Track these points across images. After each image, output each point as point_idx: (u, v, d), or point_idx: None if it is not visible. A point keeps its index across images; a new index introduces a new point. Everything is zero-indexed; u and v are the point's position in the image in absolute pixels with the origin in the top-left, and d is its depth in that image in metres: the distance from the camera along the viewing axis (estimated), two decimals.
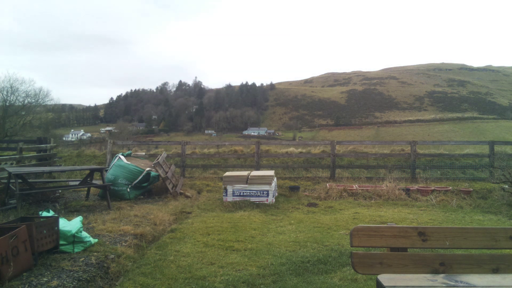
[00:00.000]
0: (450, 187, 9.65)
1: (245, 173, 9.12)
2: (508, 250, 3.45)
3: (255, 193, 8.45)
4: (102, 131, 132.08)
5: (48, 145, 11.17)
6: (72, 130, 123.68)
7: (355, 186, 9.88)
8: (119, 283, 4.09)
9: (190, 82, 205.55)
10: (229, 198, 8.49)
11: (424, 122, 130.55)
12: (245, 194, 8.48)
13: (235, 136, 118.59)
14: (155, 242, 5.63)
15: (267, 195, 8.41)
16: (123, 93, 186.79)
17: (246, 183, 8.51)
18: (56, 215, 4.69)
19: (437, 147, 16.15)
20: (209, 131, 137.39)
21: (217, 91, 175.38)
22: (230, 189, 8.53)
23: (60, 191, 8.68)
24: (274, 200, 8.66)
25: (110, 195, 7.84)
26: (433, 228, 2.59)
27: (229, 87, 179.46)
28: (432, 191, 9.45)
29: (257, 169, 11.91)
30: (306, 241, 5.55)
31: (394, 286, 2.13)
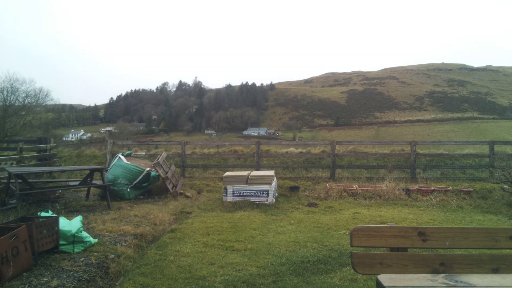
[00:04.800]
0: (450, 187, 9.65)
1: (245, 173, 9.12)
2: (508, 250, 3.45)
3: (255, 193, 8.45)
4: (102, 131, 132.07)
5: (48, 145, 11.17)
6: (72, 130, 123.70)
7: (355, 186, 9.88)
8: (119, 283, 4.09)
9: (190, 82, 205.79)
10: (229, 198, 8.49)
11: (424, 122, 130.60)
12: (245, 194, 8.48)
13: (235, 136, 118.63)
14: (155, 242, 5.63)
15: (267, 195, 8.41)
16: (123, 93, 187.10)
17: (246, 183, 8.51)
18: (56, 215, 4.69)
19: (437, 147, 16.15)
20: (209, 131, 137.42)
21: (217, 91, 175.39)
22: (230, 189, 8.53)
23: (60, 191, 8.68)
24: (274, 200, 8.66)
25: (110, 195, 7.84)
26: (433, 228, 2.59)
27: (229, 87, 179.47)
28: (432, 191, 9.44)
29: (257, 169, 11.91)
30: (306, 241, 5.55)
31: (394, 286, 2.13)
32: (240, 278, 4.09)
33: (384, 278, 2.24)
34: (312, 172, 13.00)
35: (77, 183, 8.40)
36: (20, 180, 7.16)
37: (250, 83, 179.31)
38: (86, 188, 8.55)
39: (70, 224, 4.71)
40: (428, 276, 2.33)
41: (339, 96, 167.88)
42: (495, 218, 7.43)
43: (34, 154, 10.88)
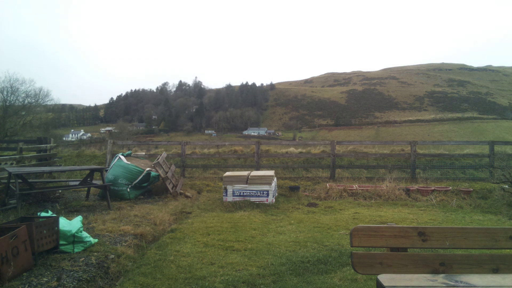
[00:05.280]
0: (450, 187, 9.65)
1: (245, 173, 9.12)
2: (508, 250, 3.45)
3: (255, 193, 8.45)
4: (102, 131, 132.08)
5: (48, 145, 11.17)
6: (72, 130, 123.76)
7: (355, 186, 9.88)
8: (119, 283, 4.09)
9: (190, 82, 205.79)
10: (229, 198, 8.49)
11: (424, 122, 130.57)
12: (245, 194, 8.48)
13: (235, 136, 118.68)
14: (155, 242, 5.63)
15: (267, 195, 8.40)
16: (123, 93, 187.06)
17: (246, 183, 8.51)
18: (56, 215, 4.69)
19: (437, 147, 16.15)
20: (209, 131, 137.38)
21: (217, 91, 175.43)
22: (230, 189, 8.53)
23: (60, 191, 8.68)
24: (274, 200, 8.66)
25: (110, 195, 7.84)
26: (433, 228, 2.59)
27: (229, 87, 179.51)
28: (432, 191, 9.45)
29: (257, 169, 11.91)
30: (306, 241, 5.55)
31: (394, 286, 2.13)
32: (240, 278, 4.09)
33: (384, 278, 2.24)
34: (312, 172, 13.00)
35: (77, 183, 8.40)
36: (20, 180, 7.15)
37: (250, 83, 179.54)
38: (86, 188, 8.55)
39: (70, 224, 4.71)
40: (428, 276, 2.33)
41: (339, 96, 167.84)
42: (495, 218, 7.43)
43: (34, 154, 10.88)
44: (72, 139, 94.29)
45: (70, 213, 6.80)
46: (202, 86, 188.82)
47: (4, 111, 30.24)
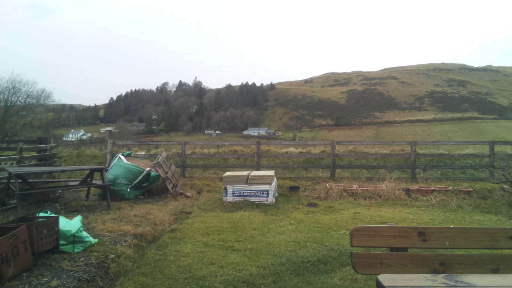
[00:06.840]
0: (450, 187, 9.65)
1: (245, 173, 9.12)
2: (508, 250, 3.45)
3: (255, 193, 8.45)
4: (102, 131, 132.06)
5: (48, 145, 11.17)
6: (72, 130, 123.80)
7: (355, 186, 9.88)
8: (119, 283, 4.09)
9: (190, 82, 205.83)
10: (229, 198, 8.49)
11: (424, 122, 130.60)
12: (245, 194, 8.47)
13: (235, 136, 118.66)
14: (155, 242, 5.63)
15: (267, 195, 8.40)
16: (123, 93, 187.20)
17: (246, 183, 8.51)
18: (56, 215, 4.69)
19: (437, 147, 16.15)
20: (209, 131, 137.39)
21: (217, 91, 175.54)
22: (230, 189, 8.53)
23: (60, 191, 8.68)
24: (274, 200, 8.66)
25: (110, 195, 7.84)
26: (433, 228, 2.59)
27: (229, 87, 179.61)
28: (432, 191, 9.44)
29: (257, 169, 11.91)
30: (306, 241, 5.55)
31: (394, 286, 2.13)
32: (240, 278, 4.09)
33: (384, 278, 2.24)
34: (312, 172, 13.00)
35: (77, 183, 8.40)
36: (20, 180, 7.15)
37: (250, 83, 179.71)
38: (86, 188, 8.55)
39: (70, 224, 4.71)
40: (428, 276, 2.33)
41: (339, 96, 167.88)
42: (495, 218, 7.43)
43: (34, 154, 10.89)
44: (72, 139, 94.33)
45: (70, 213, 6.80)
46: (202, 86, 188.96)
47: (5, 111, 30.27)
